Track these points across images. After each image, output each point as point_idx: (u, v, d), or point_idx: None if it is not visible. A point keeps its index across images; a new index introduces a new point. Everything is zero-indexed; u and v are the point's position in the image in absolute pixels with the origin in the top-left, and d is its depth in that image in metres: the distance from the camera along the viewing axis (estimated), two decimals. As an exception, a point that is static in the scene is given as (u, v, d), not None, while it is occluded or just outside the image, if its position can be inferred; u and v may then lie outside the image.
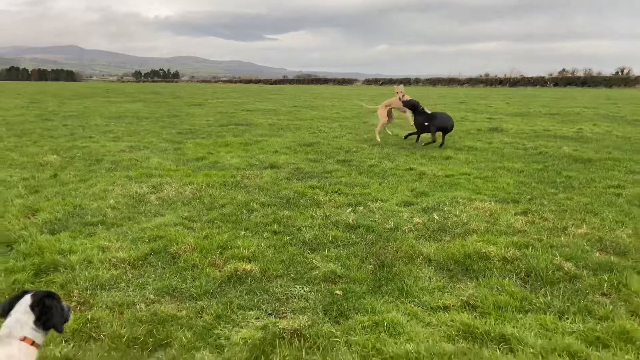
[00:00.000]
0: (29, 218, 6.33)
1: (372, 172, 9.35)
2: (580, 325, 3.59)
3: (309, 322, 3.67)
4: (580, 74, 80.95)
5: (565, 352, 3.22)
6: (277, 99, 36.97)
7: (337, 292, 4.22)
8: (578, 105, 26.90)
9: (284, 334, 3.52)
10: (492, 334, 3.46)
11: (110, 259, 4.95)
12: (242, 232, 5.80)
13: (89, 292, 4.25)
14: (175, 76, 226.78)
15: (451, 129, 12.60)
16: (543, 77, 78.49)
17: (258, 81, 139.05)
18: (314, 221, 6.25)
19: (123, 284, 4.43)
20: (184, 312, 3.89)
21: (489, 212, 6.51)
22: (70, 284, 4.37)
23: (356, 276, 4.54)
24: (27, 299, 2.60)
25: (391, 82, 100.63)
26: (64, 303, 2.76)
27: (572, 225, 5.90)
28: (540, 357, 3.19)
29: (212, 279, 4.51)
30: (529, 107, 25.28)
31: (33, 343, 2.53)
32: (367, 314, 3.81)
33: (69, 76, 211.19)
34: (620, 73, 72.87)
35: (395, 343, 3.37)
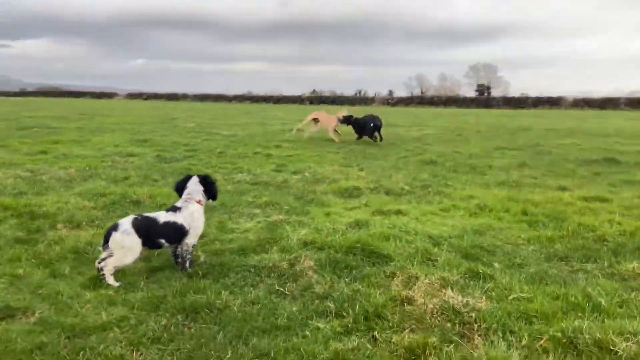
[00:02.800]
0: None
1: (227, 156, 11.17)
2: (432, 206, 6.42)
3: (286, 217, 5.60)
4: (328, 94, 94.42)
5: (430, 213, 5.96)
6: (48, 108, 33.95)
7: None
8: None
9: (276, 222, 5.38)
10: (392, 211, 6.00)
11: (82, 207, 5.82)
12: (171, 190, 7.10)
13: (97, 222, 5.25)
14: None
15: (381, 126, 14.67)
16: (300, 96, 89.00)
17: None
18: (221, 182, 7.89)
19: (117, 217, 5.50)
20: (193, 223, 5.32)
21: (339, 171, 9.20)
22: (76, 219, 5.25)
23: (288, 201, 6.56)
24: (195, 177, 4.01)
25: (156, 96, 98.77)
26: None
27: (392, 174, 9.00)
28: (419, 215, 5.84)
29: (189, 209, 5.93)
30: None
31: (201, 204, 3.99)
32: (318, 210, 5.92)
33: None
34: (359, 94, 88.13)
35: (343, 219, 5.59)
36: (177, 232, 3.81)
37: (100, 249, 3.69)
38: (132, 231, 3.59)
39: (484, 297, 3.34)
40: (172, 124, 20.96)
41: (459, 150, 12.85)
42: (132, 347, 2.75)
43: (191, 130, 17.85)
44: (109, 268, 3.55)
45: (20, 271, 3.76)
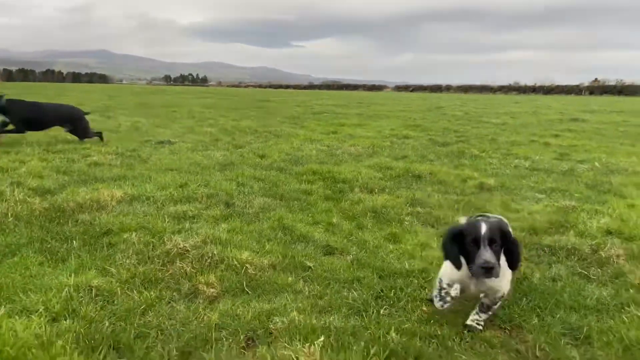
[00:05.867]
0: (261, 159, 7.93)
1: (500, 142, 10.77)
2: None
3: (578, 204, 5.13)
4: (614, 83, 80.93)
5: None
6: (331, 98, 38.73)
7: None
8: None
9: (567, 208, 4.97)
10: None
11: (372, 177, 6.49)
12: (448, 169, 7.28)
13: (387, 190, 5.77)
14: (204, 81, 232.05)
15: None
16: (578, 86, 79.02)
17: (287, 86, 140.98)
18: (497, 166, 7.71)
19: (404, 188, 5.94)
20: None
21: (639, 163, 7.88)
22: (369, 186, 5.91)
23: (578, 189, 5.99)
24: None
25: (421, 88, 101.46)
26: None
27: None
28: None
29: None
30: (591, 108, 26.47)
31: None
32: (619, 201, 5.26)
33: (102, 79, 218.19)
34: (655, 82, 73.07)
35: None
36: None
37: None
38: None
39: None
40: (440, 112, 21.34)
41: None
42: (436, 295, 2.96)
43: (459, 118, 17.87)
44: None
45: (334, 220, 4.44)
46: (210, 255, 3.28)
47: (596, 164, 7.82)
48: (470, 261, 2.39)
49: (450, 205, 5.18)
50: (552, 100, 38.17)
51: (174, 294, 2.86)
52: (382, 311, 2.74)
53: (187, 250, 3.35)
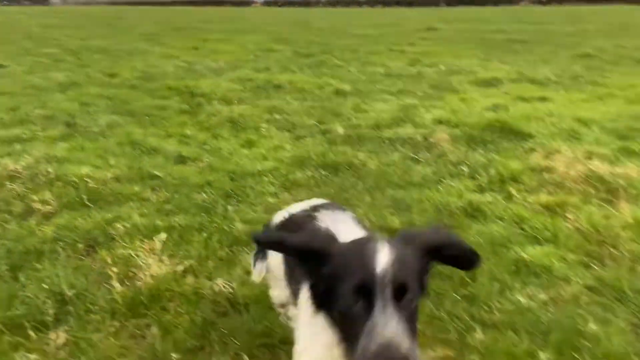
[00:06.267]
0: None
1: (361, 52, 11.15)
2: (583, 94, 5.90)
3: (420, 102, 5.60)
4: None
5: (581, 101, 5.50)
6: (194, 14, 36.25)
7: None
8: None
9: (410, 105, 5.41)
10: (535, 97, 5.66)
11: (232, 89, 6.40)
12: (308, 78, 7.41)
13: (246, 100, 5.77)
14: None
15: None
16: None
17: (146, 3, 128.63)
18: (355, 74, 8.03)
19: (264, 98, 5.98)
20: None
21: (477, 64, 8.72)
22: (228, 98, 5.84)
23: (422, 89, 6.51)
24: None
25: (290, 3, 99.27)
26: None
27: (538, 67, 8.28)
28: (567, 102, 5.42)
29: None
30: (446, 18, 28.13)
31: None
32: (453, 96, 5.83)
33: None
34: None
35: (479, 103, 5.42)
36: None
37: None
38: None
39: (636, 167, 3.13)
40: (306, 25, 21.20)
41: (623, 44, 11.25)
42: (284, 189, 3.15)
43: (325, 31, 17.96)
44: None
45: (188, 132, 4.37)
46: (44, 173, 3.09)
47: (441, 67, 8.48)
48: (349, 333, 1.10)
49: (306, 110, 5.34)
50: (413, 12, 39.78)
51: (6, 215, 2.67)
52: (229, 207, 2.84)
53: (19, 172, 3.11)
